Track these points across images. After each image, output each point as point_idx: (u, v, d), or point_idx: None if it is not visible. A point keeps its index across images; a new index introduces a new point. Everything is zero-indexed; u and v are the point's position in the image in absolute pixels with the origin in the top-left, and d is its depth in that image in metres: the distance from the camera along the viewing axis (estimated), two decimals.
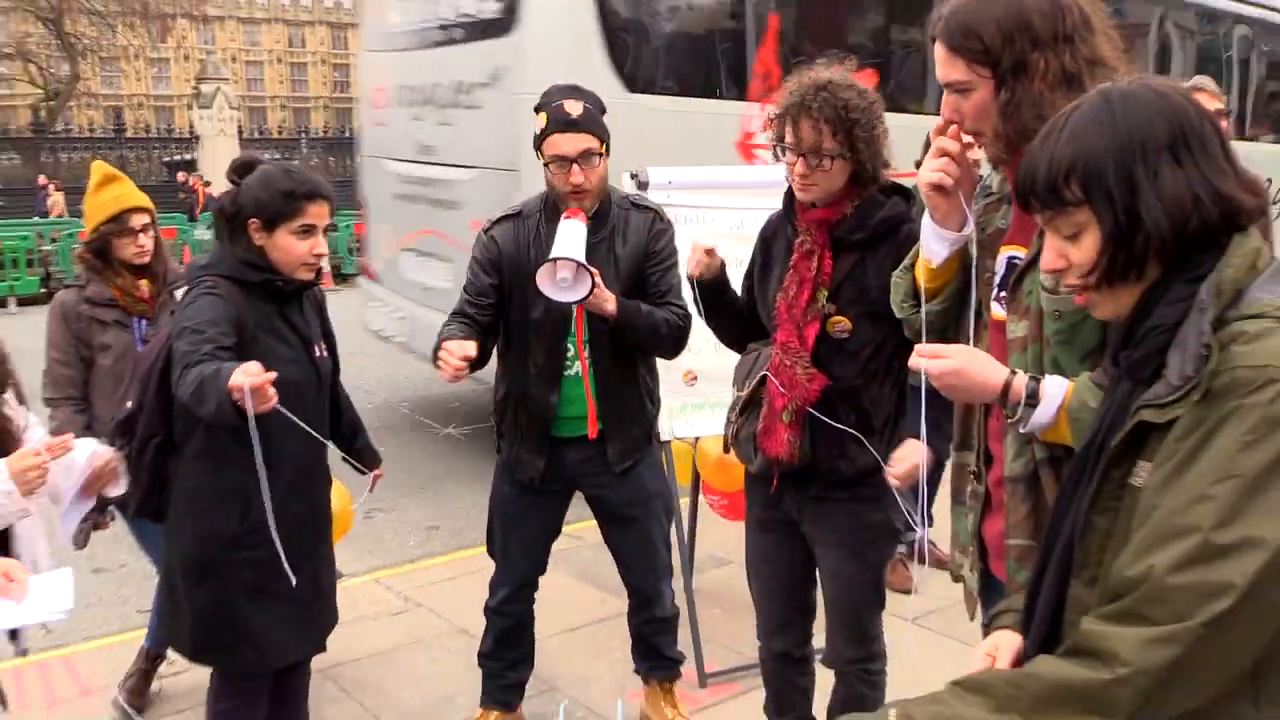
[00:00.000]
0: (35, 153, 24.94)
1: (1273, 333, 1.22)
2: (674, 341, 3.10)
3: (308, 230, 2.60)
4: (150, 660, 3.63)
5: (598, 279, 2.78)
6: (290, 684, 2.94)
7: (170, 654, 3.46)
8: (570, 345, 3.02)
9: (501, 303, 3.04)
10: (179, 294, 2.85)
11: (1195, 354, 1.24)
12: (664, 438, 3.77)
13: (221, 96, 25.17)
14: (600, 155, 2.93)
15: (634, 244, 3.03)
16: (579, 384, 3.04)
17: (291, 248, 2.59)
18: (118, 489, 2.40)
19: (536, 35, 5.81)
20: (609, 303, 2.87)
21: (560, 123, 2.88)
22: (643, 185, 3.78)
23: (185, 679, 3.64)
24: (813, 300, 2.53)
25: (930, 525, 4.39)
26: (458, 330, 2.92)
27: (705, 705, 3.57)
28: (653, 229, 3.09)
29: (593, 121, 2.92)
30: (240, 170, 2.67)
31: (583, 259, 2.73)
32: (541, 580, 3.32)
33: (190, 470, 2.61)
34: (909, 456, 2.43)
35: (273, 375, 2.20)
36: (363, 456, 3.01)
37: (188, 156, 24.85)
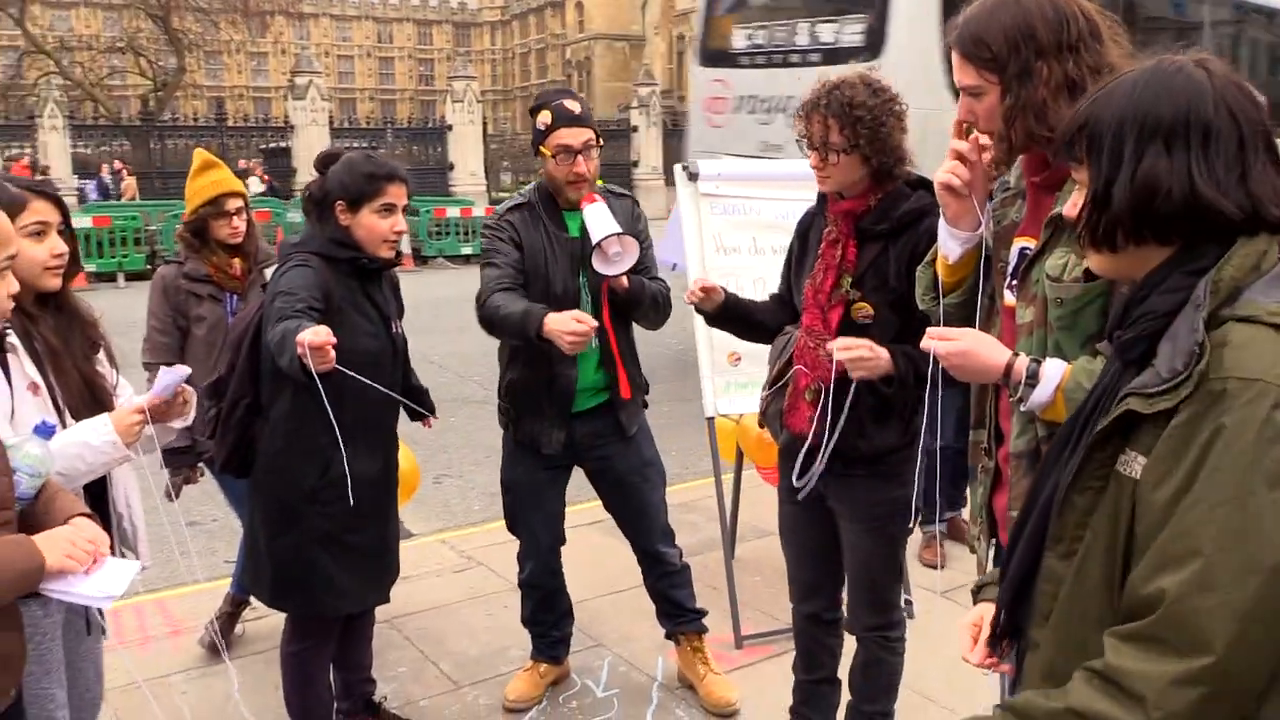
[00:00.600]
0: (144, 140, 26.03)
1: (1262, 341, 1.21)
2: (665, 312, 3.36)
3: (388, 209, 2.85)
4: (235, 605, 3.98)
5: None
6: (357, 629, 3.25)
7: (252, 600, 3.80)
8: None
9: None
10: (268, 273, 3.15)
11: (1186, 350, 1.24)
12: (708, 414, 4.01)
13: (314, 89, 25.96)
14: (596, 147, 3.23)
15: (622, 227, 3.21)
16: (590, 359, 3.27)
17: (374, 225, 2.84)
18: (184, 420, 2.56)
19: (897, 60, 7.04)
20: (625, 277, 3.14)
21: (565, 118, 3.17)
22: (693, 177, 4.01)
23: (265, 623, 3.98)
24: (836, 286, 2.69)
25: (963, 505, 4.55)
26: (530, 303, 3.10)
27: (740, 665, 3.79)
28: (634, 213, 3.37)
29: (590, 117, 3.28)
30: (325, 161, 2.93)
31: (620, 229, 3.02)
32: (591, 544, 3.58)
33: (273, 430, 2.87)
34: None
35: (333, 340, 2.46)
36: (423, 405, 3.23)
37: (283, 144, 25.72)
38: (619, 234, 3.00)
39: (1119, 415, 1.29)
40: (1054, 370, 1.85)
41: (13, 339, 2.24)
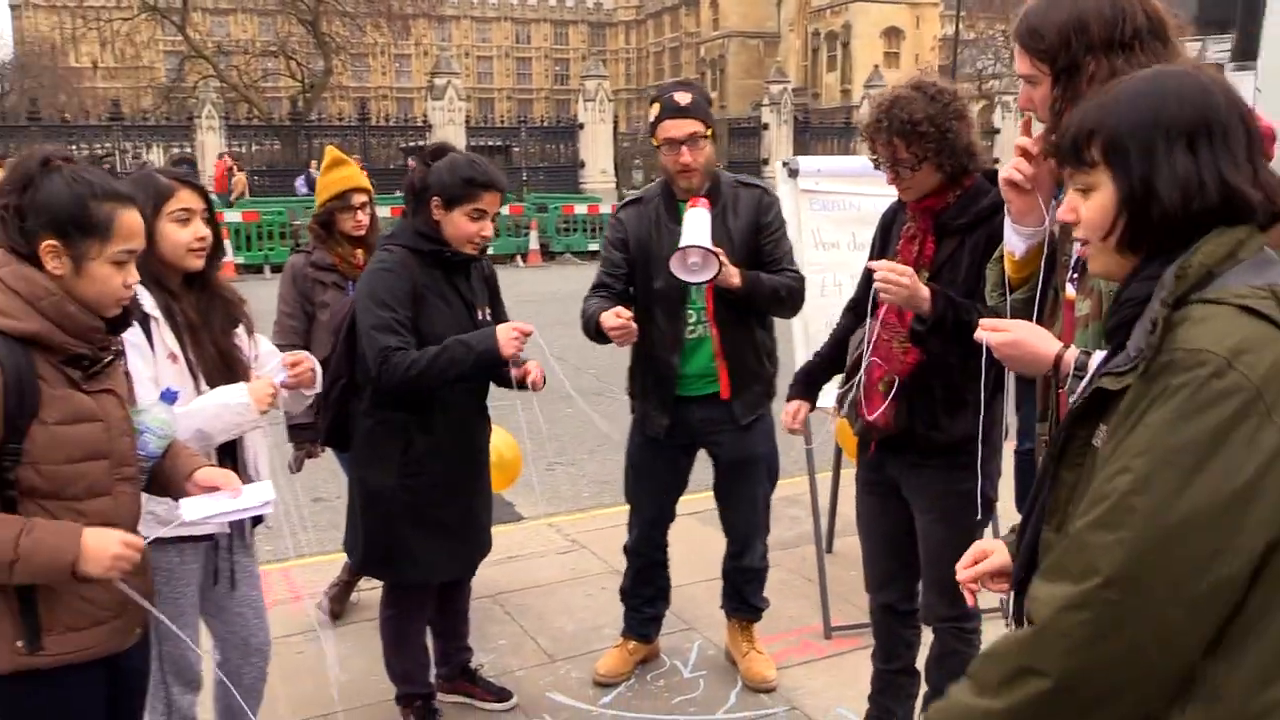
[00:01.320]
0: (293, 139, 27.41)
1: (1218, 318, 1.26)
2: (792, 304, 3.44)
3: (480, 214, 3.00)
4: (350, 574, 4.24)
5: (724, 259, 3.12)
6: (453, 600, 3.45)
7: None
8: (692, 313, 3.38)
9: (631, 275, 3.43)
10: None
11: (1146, 330, 1.31)
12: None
13: (452, 89, 26.82)
14: (705, 138, 3.27)
15: (745, 219, 3.34)
16: (702, 347, 3.39)
17: (464, 226, 2.99)
18: (312, 390, 2.86)
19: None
20: (734, 278, 3.19)
21: (671, 109, 3.26)
22: (793, 173, 4.08)
23: (378, 593, 4.22)
24: None
25: None
26: (601, 304, 3.32)
27: (828, 654, 3.85)
28: (761, 203, 3.41)
29: (699, 109, 3.29)
30: (433, 155, 3.10)
31: (709, 244, 3.08)
32: (690, 534, 3.70)
33: (366, 408, 3.10)
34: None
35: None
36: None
37: (421, 143, 26.68)
38: (701, 248, 3.07)
39: (1092, 393, 1.36)
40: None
41: (156, 312, 2.52)
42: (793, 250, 3.50)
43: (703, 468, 3.67)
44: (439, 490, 3.05)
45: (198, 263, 2.60)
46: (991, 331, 2.01)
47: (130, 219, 2.00)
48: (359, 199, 3.95)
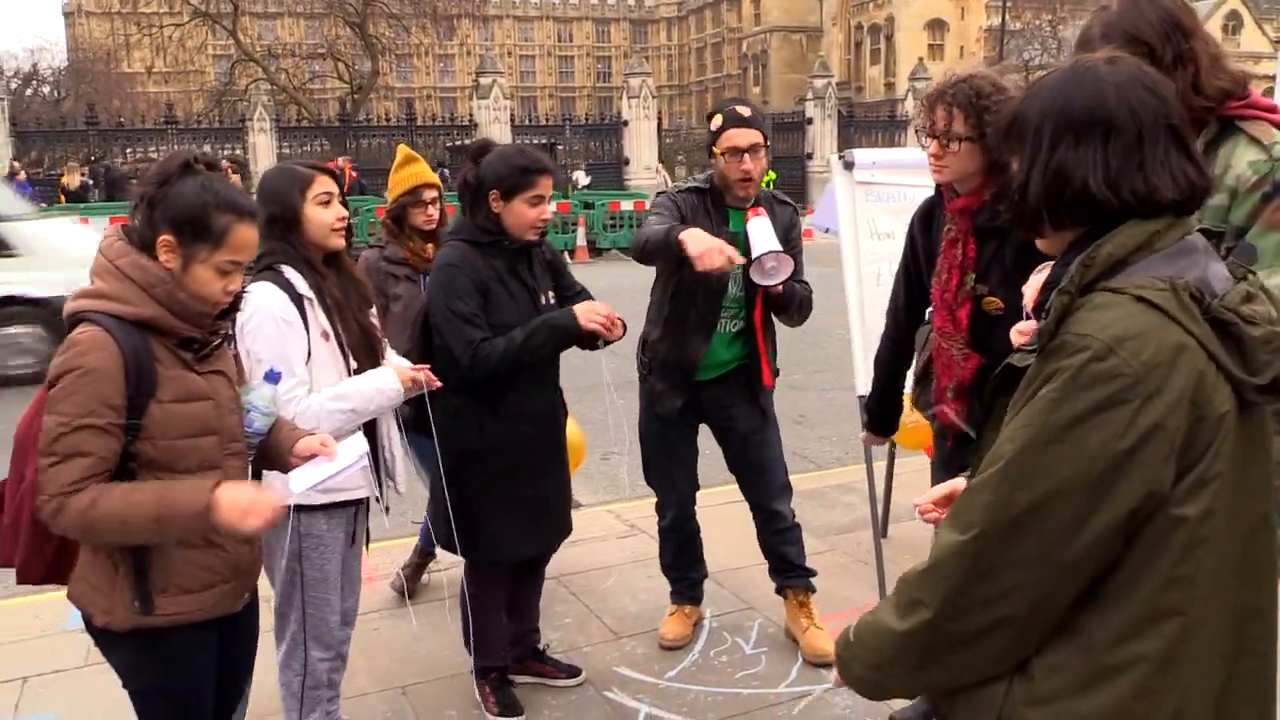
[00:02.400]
0: (341, 139, 27.86)
1: (1111, 306, 1.33)
2: (808, 313, 3.67)
3: (538, 199, 3.13)
4: (422, 557, 4.42)
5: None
6: (529, 579, 3.59)
7: (437, 552, 4.22)
8: (730, 306, 3.56)
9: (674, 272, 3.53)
10: None
11: (1044, 314, 1.41)
12: (859, 392, 4.17)
13: (497, 88, 27.12)
14: (764, 148, 3.49)
15: (780, 230, 3.49)
16: (732, 339, 3.60)
17: (524, 213, 3.12)
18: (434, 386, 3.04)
19: None
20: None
21: (735, 120, 3.44)
22: (849, 165, 4.17)
23: (447, 574, 4.40)
24: (961, 284, 2.76)
25: None
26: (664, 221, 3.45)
27: None
28: (792, 220, 3.65)
29: (760, 120, 3.51)
30: (479, 152, 3.23)
31: (781, 248, 3.29)
32: (745, 518, 3.83)
33: (447, 395, 3.20)
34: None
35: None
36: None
37: (467, 141, 26.96)
38: (778, 252, 3.28)
39: (1003, 369, 1.48)
40: None
41: (309, 293, 2.73)
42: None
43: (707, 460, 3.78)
44: (517, 471, 3.20)
45: (340, 241, 2.83)
46: (1018, 335, 2.05)
47: (244, 233, 2.12)
48: (429, 194, 4.07)
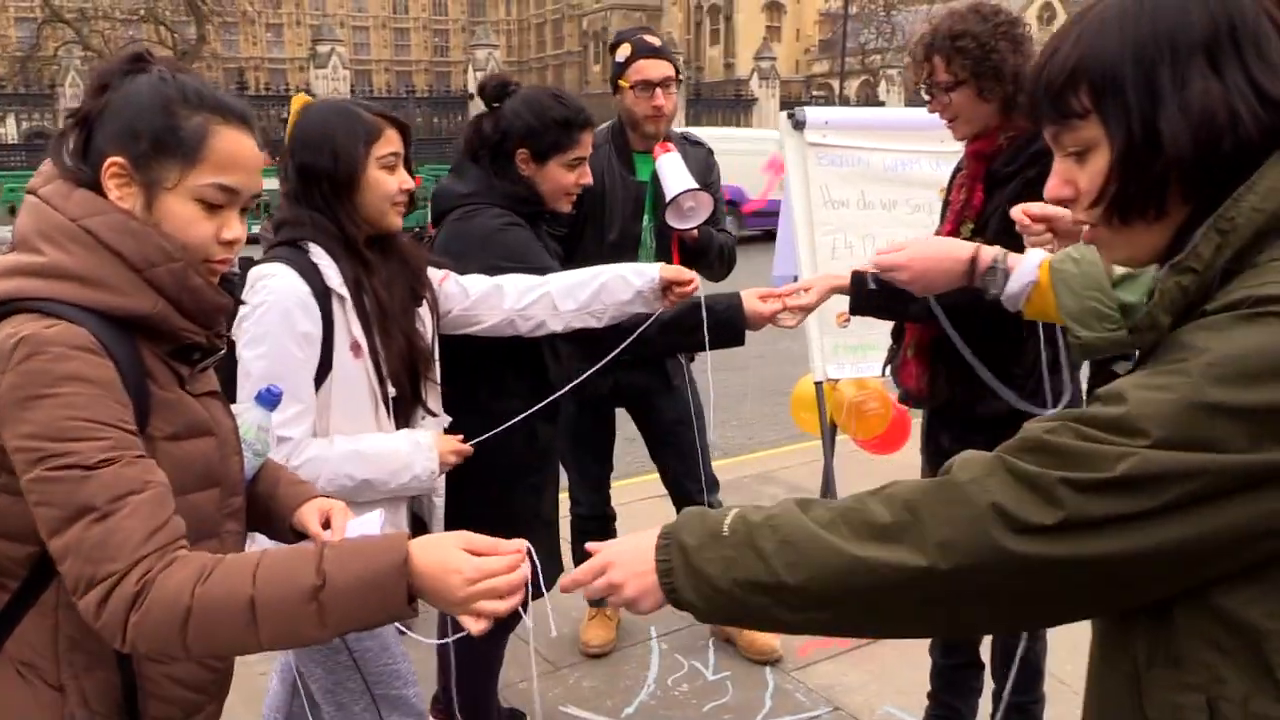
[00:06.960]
0: None
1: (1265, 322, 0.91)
2: (729, 264, 3.31)
3: (578, 161, 2.46)
4: None
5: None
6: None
7: None
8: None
9: (575, 232, 3.06)
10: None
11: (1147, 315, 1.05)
12: (816, 379, 3.77)
13: (336, 57, 25.79)
14: (676, 82, 3.14)
15: (695, 174, 3.02)
16: None
17: (561, 178, 2.45)
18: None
19: None
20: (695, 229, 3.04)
21: (646, 50, 3.10)
22: (799, 125, 3.75)
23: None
24: (955, 234, 2.43)
25: None
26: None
27: (851, 646, 3.54)
28: (708, 163, 3.28)
29: (671, 52, 3.20)
30: (495, 93, 2.49)
31: (696, 185, 2.89)
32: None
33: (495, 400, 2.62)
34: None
35: None
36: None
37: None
38: (695, 190, 2.88)
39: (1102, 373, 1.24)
40: (1031, 258, 1.83)
41: (343, 290, 1.97)
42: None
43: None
44: (547, 487, 2.66)
45: (399, 221, 2.07)
46: (881, 256, 2.03)
47: (233, 140, 1.36)
48: None
